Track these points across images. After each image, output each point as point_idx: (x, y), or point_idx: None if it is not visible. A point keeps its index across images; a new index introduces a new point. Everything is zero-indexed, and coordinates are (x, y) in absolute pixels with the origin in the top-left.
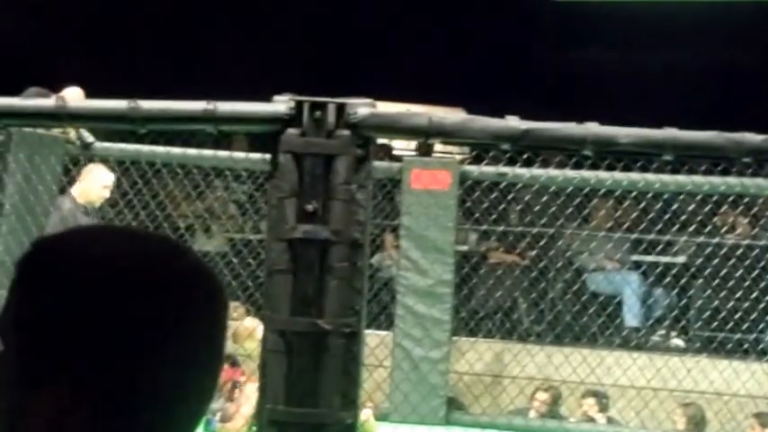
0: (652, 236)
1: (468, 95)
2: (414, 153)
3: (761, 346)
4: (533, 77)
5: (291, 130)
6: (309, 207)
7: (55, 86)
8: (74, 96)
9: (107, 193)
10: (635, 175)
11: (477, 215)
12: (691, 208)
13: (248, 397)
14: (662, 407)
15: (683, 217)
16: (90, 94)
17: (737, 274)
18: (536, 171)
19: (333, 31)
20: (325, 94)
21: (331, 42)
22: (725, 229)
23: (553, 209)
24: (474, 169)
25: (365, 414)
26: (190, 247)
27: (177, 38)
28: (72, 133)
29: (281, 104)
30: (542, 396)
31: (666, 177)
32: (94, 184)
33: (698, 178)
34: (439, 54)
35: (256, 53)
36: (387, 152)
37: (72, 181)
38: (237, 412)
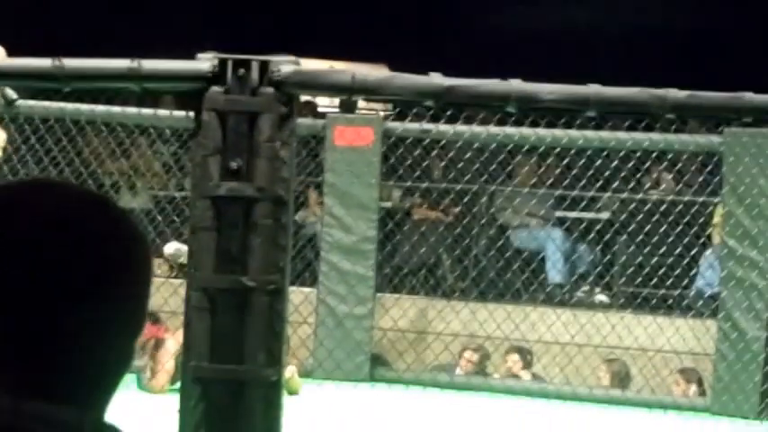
0: (576, 192)
1: (389, 52)
2: (338, 110)
3: (685, 301)
4: (456, 33)
5: (215, 88)
6: (233, 164)
7: None
8: None
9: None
10: (559, 132)
11: (400, 172)
12: (614, 164)
13: (170, 352)
14: (587, 363)
15: (607, 173)
16: (12, 52)
17: (661, 230)
18: (459, 127)
19: None
20: (248, 52)
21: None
22: (649, 185)
23: (477, 165)
24: (397, 126)
25: (289, 371)
26: (115, 203)
27: None
28: None
29: (204, 62)
30: (470, 355)
31: (590, 133)
32: None
33: (622, 134)
34: (361, 10)
35: (179, 10)
36: (312, 110)
37: None
38: (161, 369)
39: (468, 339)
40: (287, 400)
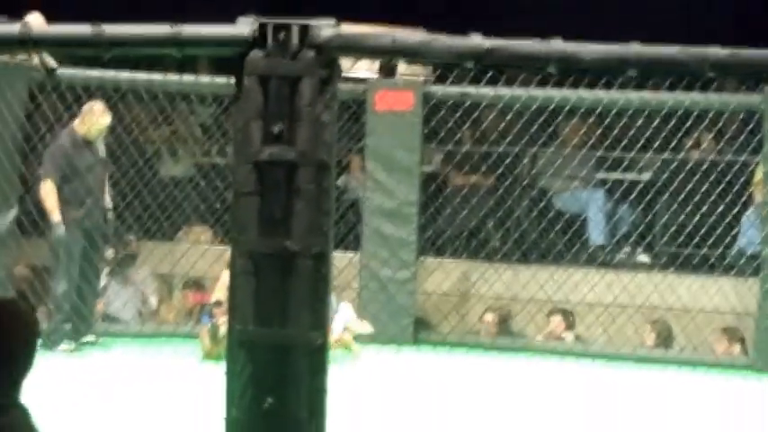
0: (617, 153)
1: (427, 15)
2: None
3: (727, 260)
4: None
5: (255, 53)
6: (275, 129)
7: (16, 13)
8: (36, 22)
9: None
10: (600, 93)
11: (441, 135)
12: (655, 124)
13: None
14: (629, 323)
15: (648, 133)
16: (51, 20)
17: (703, 190)
18: (500, 90)
19: None
20: (287, 16)
21: None
22: (689, 144)
23: (518, 127)
24: (438, 89)
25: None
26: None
27: None
28: (36, 60)
29: (245, 27)
30: (490, 317)
31: (631, 94)
32: (98, 125)
33: (662, 94)
34: None
35: None
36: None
37: (38, 107)
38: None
39: (493, 303)
40: (334, 364)
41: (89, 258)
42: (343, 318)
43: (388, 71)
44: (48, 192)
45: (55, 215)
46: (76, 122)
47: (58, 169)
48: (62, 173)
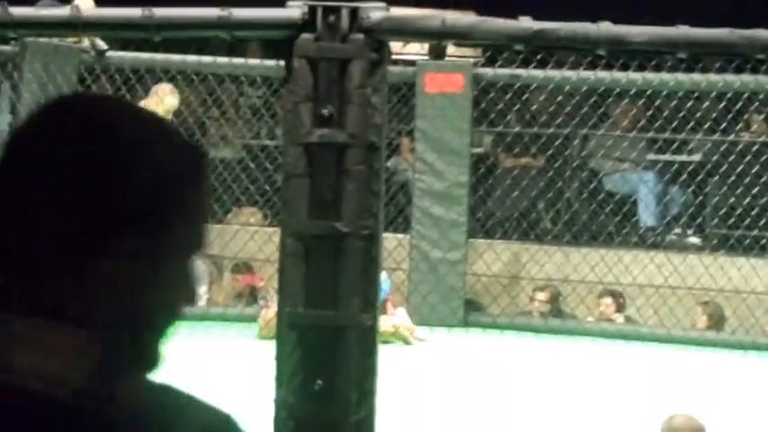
0: (667, 135)
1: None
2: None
3: None
4: None
5: (305, 36)
6: (325, 111)
7: None
8: (86, 6)
9: (168, 115)
10: (649, 75)
11: (491, 117)
12: (705, 106)
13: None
14: (680, 305)
15: (698, 115)
16: (101, 3)
17: (753, 172)
18: (550, 72)
19: None
20: None
21: None
22: (740, 126)
23: (568, 109)
24: (488, 71)
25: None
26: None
27: None
28: (86, 42)
29: (294, 10)
30: (541, 295)
31: (681, 76)
32: (164, 105)
33: (713, 76)
34: None
35: None
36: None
37: (87, 90)
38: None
39: (544, 283)
40: (385, 347)
41: None
42: (399, 323)
43: (437, 53)
44: None
45: None
46: (143, 102)
47: None
48: None
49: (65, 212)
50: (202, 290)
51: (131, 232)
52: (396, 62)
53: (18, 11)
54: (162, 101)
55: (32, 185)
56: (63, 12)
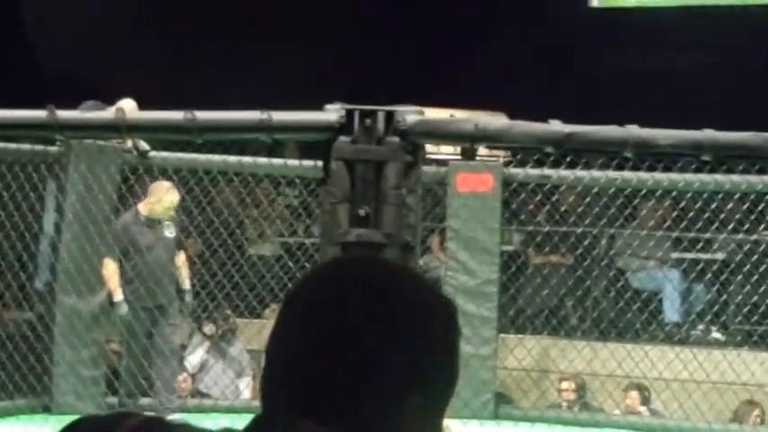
0: (692, 234)
1: (507, 100)
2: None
3: None
4: (571, 81)
5: (343, 138)
6: (361, 211)
7: (109, 98)
8: (129, 107)
9: (172, 213)
10: (675, 176)
11: (521, 216)
12: (729, 206)
13: None
14: (705, 398)
15: (722, 215)
16: (143, 105)
17: None
18: (579, 173)
19: (374, 39)
20: (367, 101)
21: (372, 50)
22: (763, 226)
23: (596, 209)
24: (518, 172)
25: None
26: (419, 273)
27: (228, 48)
28: (129, 143)
29: (332, 113)
30: (567, 385)
31: (705, 177)
32: (162, 203)
33: (736, 177)
34: (478, 58)
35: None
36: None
37: (131, 189)
38: None
39: (567, 374)
40: None
41: (154, 337)
42: None
43: (469, 153)
44: (109, 271)
45: (117, 294)
46: (142, 202)
47: (119, 247)
48: (123, 251)
49: (375, 369)
50: (245, 382)
51: (420, 389)
52: (428, 162)
53: (65, 114)
54: (160, 200)
55: (349, 346)
56: (108, 115)
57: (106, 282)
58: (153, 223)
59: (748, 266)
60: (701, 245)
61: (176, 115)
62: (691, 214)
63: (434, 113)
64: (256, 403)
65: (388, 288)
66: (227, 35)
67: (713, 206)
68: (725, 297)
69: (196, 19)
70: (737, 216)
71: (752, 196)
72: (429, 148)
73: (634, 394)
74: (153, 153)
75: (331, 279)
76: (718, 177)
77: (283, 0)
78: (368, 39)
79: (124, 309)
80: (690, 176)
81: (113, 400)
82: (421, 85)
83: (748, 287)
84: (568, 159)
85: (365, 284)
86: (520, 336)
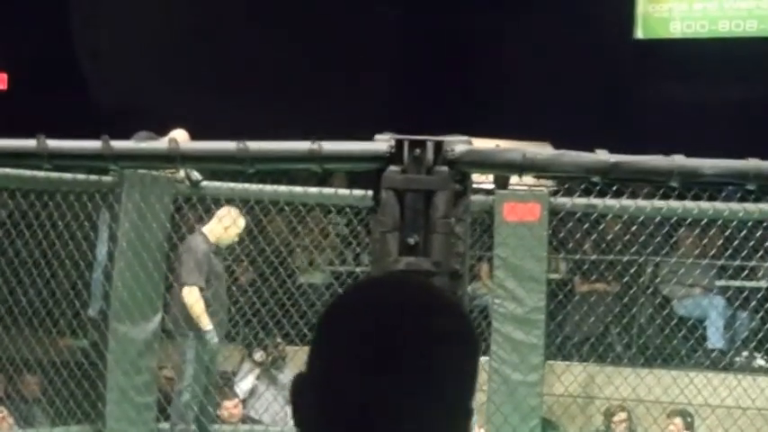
0: (737, 262)
1: (552, 130)
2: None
3: None
4: (615, 111)
5: (392, 168)
6: (411, 240)
7: (161, 129)
8: (181, 138)
9: (237, 238)
10: (720, 204)
11: (569, 245)
12: None
13: None
14: (751, 425)
15: (766, 243)
16: (195, 135)
17: None
18: (625, 202)
19: (421, 70)
20: (412, 131)
21: (420, 81)
22: None
23: (642, 238)
24: (565, 201)
25: None
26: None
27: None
28: (181, 173)
29: (382, 143)
30: (621, 416)
31: (750, 206)
32: (231, 228)
33: None
34: (521, 88)
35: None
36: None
37: (184, 218)
38: None
39: (619, 404)
40: None
41: (211, 370)
42: None
43: (502, 182)
44: (196, 298)
45: (205, 323)
46: (208, 229)
47: (203, 275)
48: (206, 278)
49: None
50: None
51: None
52: (476, 191)
53: (119, 144)
54: (236, 222)
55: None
56: (161, 145)
57: (189, 310)
58: (220, 250)
59: None
60: (745, 273)
61: (229, 145)
62: (735, 242)
63: (479, 143)
64: None
65: (435, 304)
66: (280, 67)
67: (758, 234)
68: None
69: (246, 50)
70: None
71: None
72: (477, 177)
73: (677, 421)
74: (205, 183)
75: (373, 306)
76: (763, 206)
77: (335, 32)
78: (415, 72)
79: (215, 338)
80: (734, 205)
81: (165, 425)
82: (465, 115)
83: None
84: (614, 188)
85: (414, 304)
86: (566, 363)
